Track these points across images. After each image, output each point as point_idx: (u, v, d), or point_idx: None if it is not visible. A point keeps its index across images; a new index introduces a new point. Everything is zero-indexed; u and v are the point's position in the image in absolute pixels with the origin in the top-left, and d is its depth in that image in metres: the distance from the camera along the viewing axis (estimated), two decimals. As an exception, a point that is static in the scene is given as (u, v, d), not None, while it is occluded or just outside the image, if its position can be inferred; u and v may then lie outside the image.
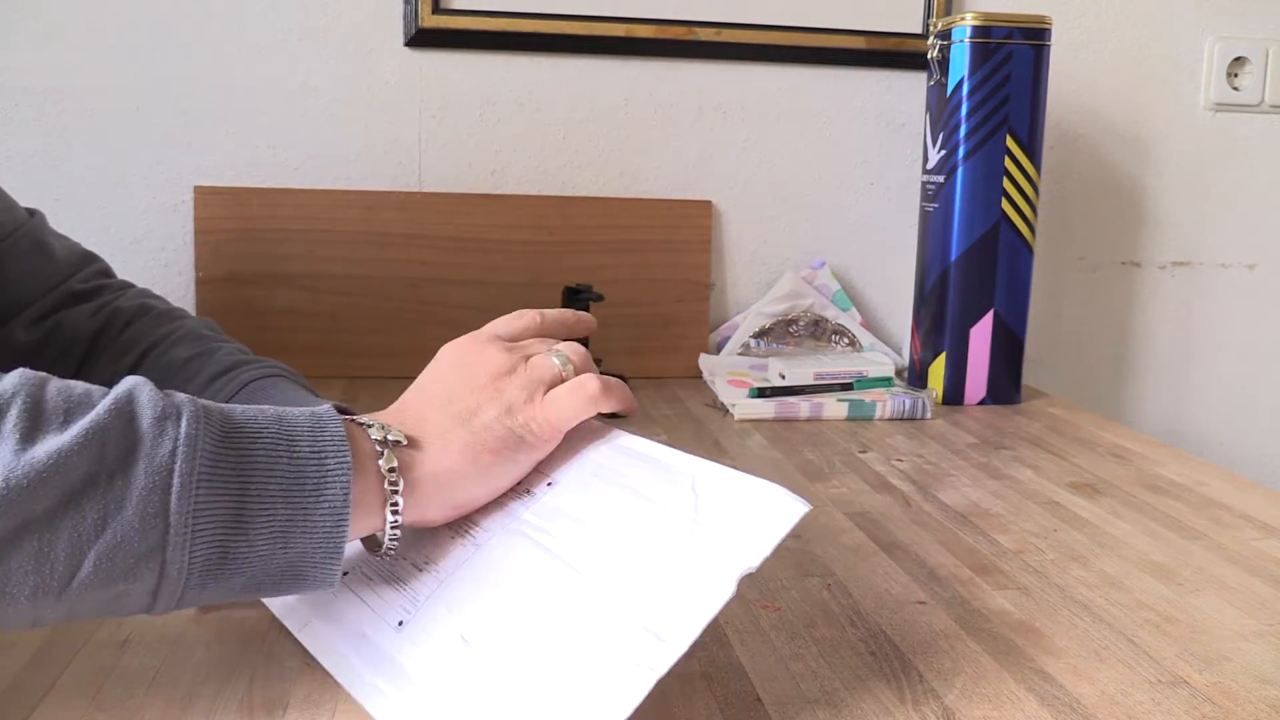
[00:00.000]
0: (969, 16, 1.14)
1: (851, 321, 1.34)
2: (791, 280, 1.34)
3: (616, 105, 1.30)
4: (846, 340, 1.32)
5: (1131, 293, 1.46)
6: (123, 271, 1.21)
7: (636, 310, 1.29)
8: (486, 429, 0.56)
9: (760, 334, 1.31)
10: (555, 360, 0.59)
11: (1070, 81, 1.39)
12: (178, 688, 0.53)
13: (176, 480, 0.46)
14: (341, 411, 0.77)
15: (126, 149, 1.21)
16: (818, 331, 1.32)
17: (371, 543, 0.56)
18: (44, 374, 0.48)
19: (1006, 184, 1.16)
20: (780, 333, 1.31)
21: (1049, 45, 1.15)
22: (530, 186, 1.30)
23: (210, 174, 1.23)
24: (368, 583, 0.58)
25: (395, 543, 0.54)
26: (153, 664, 0.55)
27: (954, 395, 1.19)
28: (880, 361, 1.20)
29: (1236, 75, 1.43)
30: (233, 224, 1.21)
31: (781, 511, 0.50)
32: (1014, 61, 1.14)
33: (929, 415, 1.12)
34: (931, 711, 0.53)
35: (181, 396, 0.49)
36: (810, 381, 1.15)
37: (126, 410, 0.47)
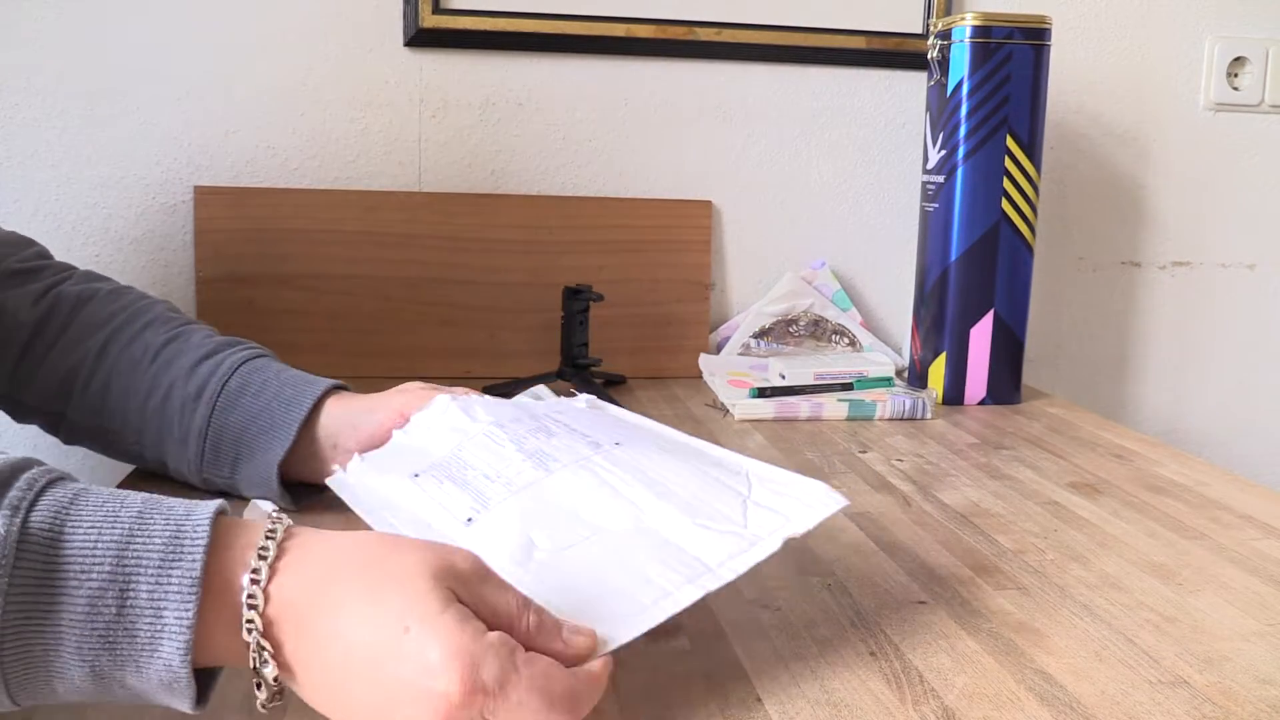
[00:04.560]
0: (969, 16, 1.14)
1: (851, 321, 1.34)
2: (791, 280, 1.34)
3: (616, 105, 1.30)
4: (846, 340, 1.32)
5: (1131, 293, 1.46)
6: (122, 271, 1.22)
7: (636, 310, 1.29)
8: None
9: (760, 334, 1.31)
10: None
11: (1070, 81, 1.39)
12: (178, 688, 0.53)
13: None
14: (340, 389, 0.80)
15: (126, 149, 1.21)
16: (818, 331, 1.32)
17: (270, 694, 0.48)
18: None
19: (1006, 184, 1.16)
20: (780, 333, 1.32)
21: (1049, 45, 1.15)
22: (530, 186, 1.30)
23: (210, 174, 1.23)
24: (437, 482, 0.64)
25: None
26: (153, 664, 0.55)
27: (954, 395, 1.19)
28: (880, 361, 1.20)
29: (1236, 75, 1.43)
30: (233, 224, 1.21)
31: (823, 501, 0.59)
32: (1014, 61, 1.14)
33: (929, 415, 1.12)
34: (931, 711, 0.53)
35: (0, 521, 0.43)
36: (810, 381, 1.15)
37: None
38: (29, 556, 0.43)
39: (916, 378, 1.23)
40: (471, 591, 0.47)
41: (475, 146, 1.28)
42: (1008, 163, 1.15)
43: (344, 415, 0.78)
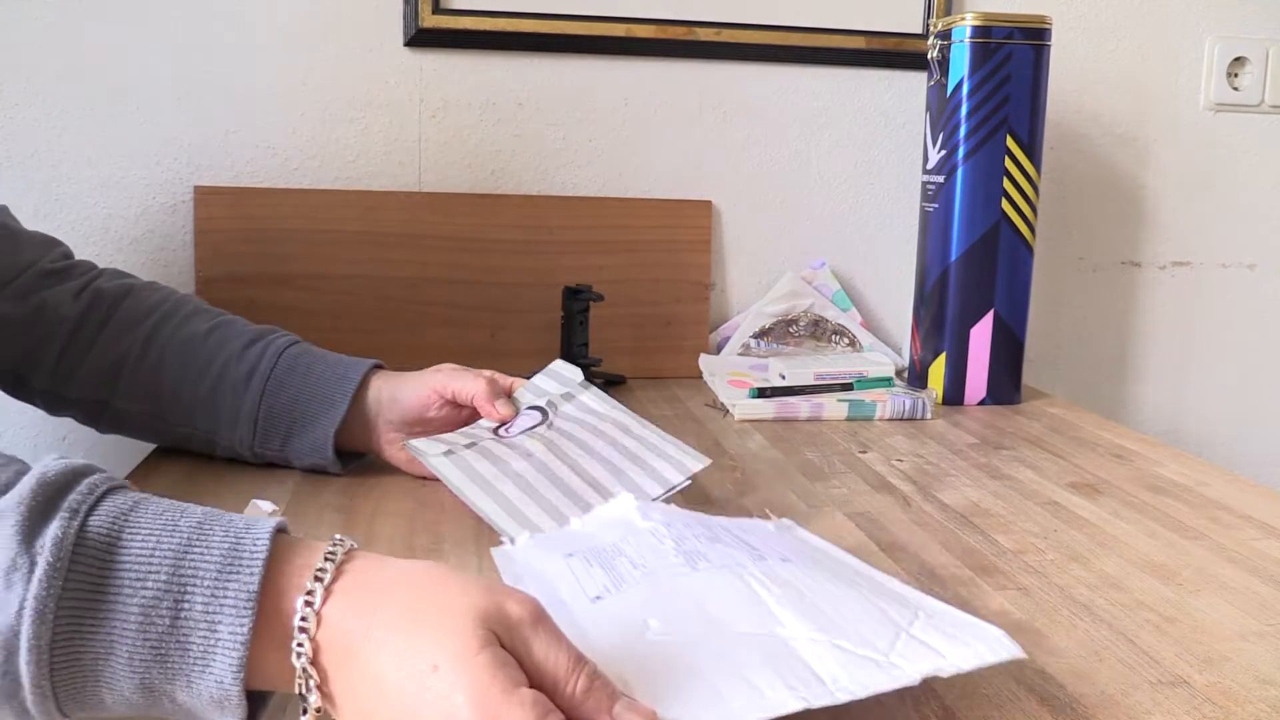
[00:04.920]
0: (969, 16, 1.14)
1: (851, 321, 1.34)
2: (791, 280, 1.34)
3: (616, 105, 1.30)
4: (846, 340, 1.32)
5: (1131, 293, 1.46)
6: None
7: (636, 310, 1.29)
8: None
9: (760, 334, 1.31)
10: None
11: (1070, 81, 1.39)
12: (178, 688, 0.53)
13: (24, 644, 0.41)
14: (379, 369, 0.86)
15: (126, 149, 1.21)
16: (818, 331, 1.32)
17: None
18: None
19: (1006, 184, 1.16)
20: (780, 333, 1.32)
21: (1049, 45, 1.15)
22: (530, 186, 1.30)
23: (210, 174, 1.23)
24: (585, 563, 0.62)
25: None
26: (153, 664, 0.55)
27: (954, 395, 1.19)
28: (880, 361, 1.20)
29: (1236, 75, 1.43)
30: (233, 224, 1.21)
31: (993, 647, 0.52)
32: (1014, 61, 1.14)
33: (929, 415, 1.12)
34: (931, 711, 0.53)
35: (53, 528, 0.42)
36: (810, 381, 1.15)
37: None
38: (85, 560, 0.42)
39: (916, 378, 1.23)
40: (517, 638, 0.44)
41: (475, 146, 1.28)
42: (1008, 163, 1.15)
43: (387, 389, 0.86)
